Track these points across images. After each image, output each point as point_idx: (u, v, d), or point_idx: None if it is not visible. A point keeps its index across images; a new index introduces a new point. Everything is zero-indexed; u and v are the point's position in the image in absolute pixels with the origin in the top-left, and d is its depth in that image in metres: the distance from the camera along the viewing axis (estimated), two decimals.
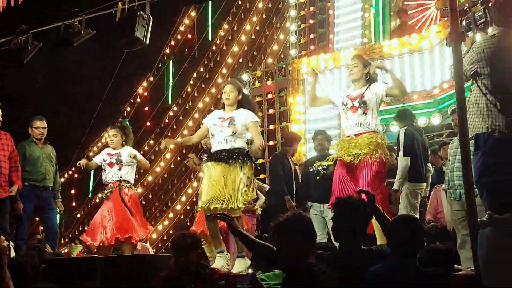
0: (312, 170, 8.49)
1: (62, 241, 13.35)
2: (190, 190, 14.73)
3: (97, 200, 15.17)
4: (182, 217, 14.75)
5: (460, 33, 4.27)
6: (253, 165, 6.24)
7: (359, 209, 4.08)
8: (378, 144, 6.07)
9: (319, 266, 3.69)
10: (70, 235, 14.57)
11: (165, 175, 15.24)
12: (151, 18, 7.01)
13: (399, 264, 3.78)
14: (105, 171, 7.46)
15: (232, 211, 5.87)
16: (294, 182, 8.48)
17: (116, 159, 7.39)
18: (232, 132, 6.15)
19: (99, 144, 15.78)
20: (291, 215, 3.94)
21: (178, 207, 14.85)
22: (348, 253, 3.98)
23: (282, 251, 3.79)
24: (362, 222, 4.12)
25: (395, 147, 7.96)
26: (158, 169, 15.45)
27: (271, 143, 13.28)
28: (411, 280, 3.68)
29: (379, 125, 6.36)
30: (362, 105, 6.14)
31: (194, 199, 13.51)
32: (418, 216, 7.41)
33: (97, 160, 7.64)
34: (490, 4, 4.82)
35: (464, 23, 4.82)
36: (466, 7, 4.87)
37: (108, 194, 7.35)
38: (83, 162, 7.57)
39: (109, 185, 7.39)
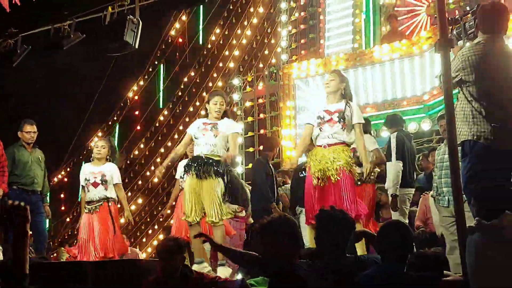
0: (302, 175, 8.48)
1: (52, 245, 13.27)
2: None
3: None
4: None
5: (449, 40, 4.29)
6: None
7: (342, 222, 4.04)
8: (350, 158, 6.04)
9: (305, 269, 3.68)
10: (60, 239, 14.50)
11: (155, 179, 15.15)
12: (141, 22, 6.99)
13: (390, 269, 3.78)
14: (88, 190, 7.37)
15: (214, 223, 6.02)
16: (275, 187, 8.52)
17: (101, 179, 7.35)
18: (214, 136, 6.22)
19: (89, 148, 15.70)
20: (277, 217, 3.92)
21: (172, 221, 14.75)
22: (335, 259, 3.96)
23: (267, 254, 3.77)
24: (346, 234, 4.07)
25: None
26: (148, 173, 15.38)
27: (261, 147, 13.25)
28: (402, 285, 3.68)
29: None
30: (341, 120, 6.07)
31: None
32: (407, 221, 7.43)
33: (82, 177, 7.54)
34: (476, 11, 4.85)
35: (454, 32, 4.84)
36: (457, 17, 4.89)
37: (96, 208, 7.32)
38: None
39: (94, 202, 7.35)
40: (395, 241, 3.86)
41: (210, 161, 6.12)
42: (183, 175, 6.48)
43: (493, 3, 5.06)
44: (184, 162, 7.57)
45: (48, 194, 8.25)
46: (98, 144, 7.57)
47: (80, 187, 7.59)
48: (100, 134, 15.52)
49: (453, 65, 4.56)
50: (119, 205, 7.71)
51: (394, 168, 7.44)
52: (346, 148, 6.05)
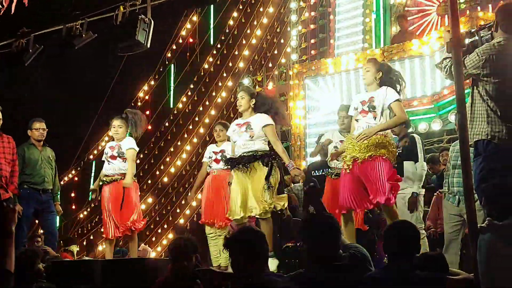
0: (315, 174, 8.49)
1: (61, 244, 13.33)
2: (194, 203, 14.68)
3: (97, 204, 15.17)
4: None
5: (460, 39, 4.28)
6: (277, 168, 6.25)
7: (328, 229, 3.91)
8: (388, 145, 5.90)
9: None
10: (70, 237, 14.54)
11: (165, 179, 15.20)
12: (153, 21, 7.01)
13: (396, 268, 3.78)
14: (108, 163, 7.13)
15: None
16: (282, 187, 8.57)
17: (117, 152, 7.09)
18: (250, 137, 6.22)
19: (99, 147, 15.77)
20: (236, 232, 3.85)
21: (182, 221, 14.75)
22: (325, 269, 3.83)
23: (234, 269, 3.70)
24: (333, 242, 3.92)
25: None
26: (157, 172, 15.42)
27: None
28: (407, 285, 3.68)
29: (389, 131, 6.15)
30: (371, 109, 5.99)
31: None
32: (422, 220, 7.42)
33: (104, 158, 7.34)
34: (496, 10, 4.82)
35: (470, 45, 4.78)
36: (473, 30, 4.86)
37: (111, 182, 7.05)
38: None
39: (109, 176, 7.10)
40: (401, 241, 3.86)
41: (252, 155, 6.18)
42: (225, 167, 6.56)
43: None
44: (212, 146, 7.61)
45: (58, 193, 8.24)
46: (114, 124, 7.27)
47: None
48: (110, 133, 15.56)
49: (470, 61, 4.53)
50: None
51: (421, 167, 7.38)
52: (380, 137, 5.89)
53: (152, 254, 11.96)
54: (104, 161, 7.28)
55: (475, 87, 4.64)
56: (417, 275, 3.73)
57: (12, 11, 6.43)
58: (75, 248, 10.53)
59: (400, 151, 7.02)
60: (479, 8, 11.51)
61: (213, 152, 7.41)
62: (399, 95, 6.08)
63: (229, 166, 6.38)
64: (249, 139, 6.21)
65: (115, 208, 6.94)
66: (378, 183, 5.70)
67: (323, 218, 4.07)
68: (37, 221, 8.77)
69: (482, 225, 3.83)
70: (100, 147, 15.73)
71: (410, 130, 7.93)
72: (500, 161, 4.38)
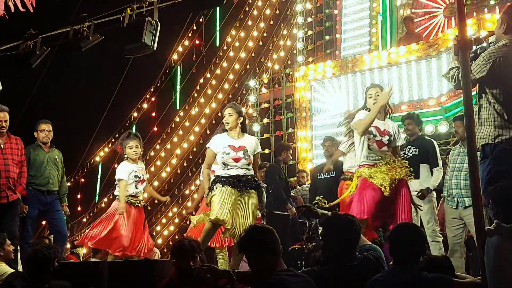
0: (320, 177, 8.50)
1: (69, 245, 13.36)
2: (196, 195, 14.71)
3: (103, 205, 15.19)
4: (188, 222, 14.71)
5: (468, 41, 4.26)
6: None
7: (349, 227, 4.02)
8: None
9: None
10: (76, 239, 14.56)
11: (171, 180, 15.21)
12: (159, 24, 7.03)
13: (402, 271, 3.77)
14: (137, 188, 7.45)
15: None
16: (288, 189, 8.71)
17: (144, 176, 7.60)
18: (248, 164, 6.32)
19: (106, 149, 15.79)
20: (248, 231, 3.91)
21: (184, 212, 14.81)
22: (342, 266, 3.92)
23: (251, 268, 3.79)
24: (354, 240, 4.05)
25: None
26: (164, 174, 15.43)
27: None
28: (414, 286, 3.67)
29: None
30: (388, 144, 6.18)
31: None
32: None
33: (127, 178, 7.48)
34: (502, 12, 4.80)
35: (478, 51, 4.76)
36: (481, 36, 4.84)
37: (139, 204, 7.49)
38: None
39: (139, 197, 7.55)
40: (408, 243, 3.86)
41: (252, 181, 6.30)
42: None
43: None
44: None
45: (66, 194, 8.24)
46: (132, 144, 7.47)
47: (119, 182, 7.44)
48: (117, 135, 15.59)
49: (476, 65, 4.52)
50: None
51: (439, 172, 7.35)
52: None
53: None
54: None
55: (481, 91, 4.62)
56: (424, 276, 3.73)
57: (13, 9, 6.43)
58: (81, 251, 10.56)
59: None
60: (486, 10, 11.49)
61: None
62: None
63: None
64: (247, 165, 6.31)
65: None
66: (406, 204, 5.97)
67: (345, 219, 4.11)
68: (44, 223, 8.79)
69: (490, 227, 3.82)
70: (106, 149, 15.76)
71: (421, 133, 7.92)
72: (507, 164, 4.36)
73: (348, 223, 4.04)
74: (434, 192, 7.26)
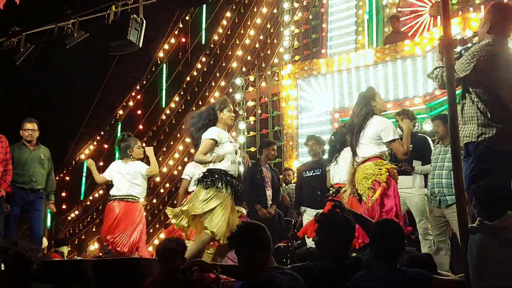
0: (306, 175, 8.50)
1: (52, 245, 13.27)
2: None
3: (88, 203, 15.13)
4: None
5: (452, 40, 4.28)
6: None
7: (345, 225, 4.06)
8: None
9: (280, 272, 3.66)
10: (62, 237, 14.48)
11: (157, 179, 15.15)
12: (144, 21, 6.99)
13: (385, 267, 3.78)
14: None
15: None
16: (266, 188, 8.55)
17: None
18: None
19: (91, 146, 15.71)
20: (238, 228, 3.91)
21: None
22: (337, 262, 3.95)
23: (241, 264, 3.78)
24: (349, 237, 4.12)
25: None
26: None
27: None
28: (395, 282, 3.68)
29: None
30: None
31: None
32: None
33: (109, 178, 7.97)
34: (485, 11, 4.83)
35: (462, 51, 4.78)
36: (466, 37, 4.88)
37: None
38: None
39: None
40: (392, 239, 3.87)
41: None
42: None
43: (507, 6, 5.04)
44: (193, 163, 7.63)
45: (54, 191, 8.21)
46: (139, 144, 7.96)
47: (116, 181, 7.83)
48: (102, 133, 15.53)
49: (459, 64, 4.54)
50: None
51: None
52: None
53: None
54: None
55: (465, 90, 4.65)
56: (405, 271, 3.74)
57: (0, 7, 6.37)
58: (65, 249, 10.51)
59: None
60: (471, 9, 11.55)
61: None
62: None
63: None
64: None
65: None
66: None
67: (343, 218, 4.15)
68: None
69: (473, 225, 3.84)
70: (92, 147, 15.67)
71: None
72: (490, 162, 4.40)
73: (346, 222, 4.08)
74: (425, 190, 7.27)
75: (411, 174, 7.26)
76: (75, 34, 7.37)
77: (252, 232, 3.77)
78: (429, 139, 7.60)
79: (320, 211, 7.22)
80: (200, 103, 15.40)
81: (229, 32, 15.77)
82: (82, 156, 15.69)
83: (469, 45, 4.70)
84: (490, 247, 3.69)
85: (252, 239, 3.71)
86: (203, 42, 15.76)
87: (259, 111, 14.37)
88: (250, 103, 14.50)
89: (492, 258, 3.68)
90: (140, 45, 7.08)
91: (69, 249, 11.31)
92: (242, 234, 3.78)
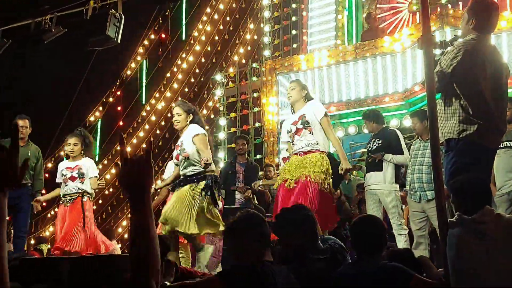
0: None
1: (33, 241, 13.17)
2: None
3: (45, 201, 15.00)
4: None
5: (432, 36, 4.29)
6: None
7: (301, 221, 3.91)
8: (326, 168, 5.94)
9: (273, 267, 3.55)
10: (40, 235, 14.38)
11: None
12: (123, 16, 6.95)
13: (364, 263, 3.75)
14: (66, 184, 7.42)
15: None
16: (237, 181, 8.66)
17: (77, 173, 7.38)
18: (185, 158, 6.09)
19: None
20: (239, 216, 3.75)
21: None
22: (302, 262, 3.82)
23: (233, 255, 3.58)
24: (309, 233, 3.93)
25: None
26: None
27: None
28: (374, 276, 3.66)
29: (326, 145, 6.20)
30: (305, 125, 6.02)
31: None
32: (404, 220, 7.44)
33: (58, 180, 7.58)
34: (468, 7, 4.86)
35: (442, 55, 4.78)
36: (448, 40, 4.89)
37: (69, 202, 7.39)
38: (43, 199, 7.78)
39: (69, 195, 7.41)
40: (369, 235, 3.85)
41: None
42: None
43: (490, 2, 5.07)
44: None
45: (40, 191, 8.11)
46: (70, 141, 7.50)
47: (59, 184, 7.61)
48: (68, 138, 15.38)
49: (446, 59, 4.55)
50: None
51: (404, 158, 7.32)
52: (321, 155, 6.00)
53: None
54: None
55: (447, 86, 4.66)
56: (385, 265, 3.71)
57: None
58: (45, 247, 10.42)
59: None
60: (449, 5, 11.64)
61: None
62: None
63: None
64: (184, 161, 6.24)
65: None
66: None
67: (296, 209, 4.05)
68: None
69: (452, 219, 3.87)
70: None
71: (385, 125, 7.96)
72: (471, 157, 4.43)
73: (301, 211, 3.99)
74: (397, 186, 7.33)
75: (381, 169, 7.30)
76: (53, 30, 7.29)
77: (255, 222, 3.58)
78: (398, 132, 7.62)
79: None
80: (180, 99, 15.34)
81: (208, 28, 15.71)
82: (62, 153, 15.55)
83: (449, 48, 4.71)
84: (468, 241, 3.72)
85: (255, 230, 3.53)
86: (183, 38, 15.71)
87: (240, 107, 14.35)
88: (231, 99, 14.48)
89: (470, 252, 3.71)
90: (119, 40, 7.03)
91: (49, 246, 11.20)
92: (247, 224, 3.56)
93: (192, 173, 6.07)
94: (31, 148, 7.93)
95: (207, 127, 6.58)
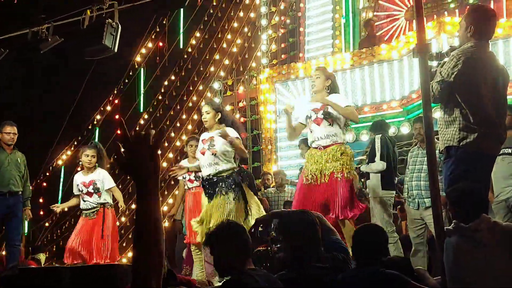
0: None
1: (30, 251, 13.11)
2: (165, 208, 14.56)
3: (66, 209, 14.94)
4: None
5: (427, 44, 4.31)
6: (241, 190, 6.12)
7: (302, 225, 3.87)
8: (349, 157, 5.98)
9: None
10: (39, 244, 14.32)
11: None
12: (120, 26, 6.95)
13: (364, 271, 3.74)
14: (84, 200, 7.55)
15: None
16: None
17: (93, 188, 7.49)
18: (212, 154, 6.14)
19: (69, 152, 15.54)
20: (221, 226, 3.75)
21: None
22: (304, 268, 3.82)
23: (216, 263, 3.62)
24: (312, 237, 3.84)
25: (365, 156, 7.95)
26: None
27: None
28: (371, 283, 3.64)
29: (344, 137, 6.25)
30: (326, 116, 6.04)
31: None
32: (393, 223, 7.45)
33: (76, 192, 7.69)
34: (465, 15, 4.87)
35: (439, 66, 4.79)
36: (444, 52, 4.89)
37: (93, 215, 7.50)
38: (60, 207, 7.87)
39: (91, 209, 7.54)
40: (369, 243, 3.84)
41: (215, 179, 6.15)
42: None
43: (487, 9, 5.09)
44: (185, 161, 7.61)
45: (30, 197, 8.11)
46: (88, 153, 7.60)
47: (73, 194, 7.77)
48: (79, 138, 15.39)
49: (447, 68, 4.54)
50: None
51: (376, 166, 7.39)
52: (341, 148, 6.02)
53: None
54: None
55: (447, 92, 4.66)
56: (383, 272, 3.70)
57: None
58: (43, 257, 10.39)
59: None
60: (446, 13, 11.68)
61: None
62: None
63: None
64: (212, 157, 6.28)
65: None
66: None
67: (296, 215, 4.02)
68: None
69: (449, 227, 3.87)
70: (69, 152, 15.52)
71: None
72: (470, 165, 4.42)
73: (301, 217, 3.97)
74: (386, 192, 7.35)
75: (369, 178, 7.37)
76: (50, 39, 7.30)
77: (234, 231, 3.59)
78: (378, 139, 7.63)
79: None
80: (178, 107, 15.36)
81: (206, 36, 15.73)
82: (60, 162, 15.54)
83: (446, 59, 4.72)
84: (465, 249, 3.72)
85: (235, 238, 3.52)
86: (181, 46, 15.71)
87: (238, 115, 14.35)
88: (228, 107, 14.47)
89: (467, 260, 3.71)
90: (116, 49, 7.04)
91: (46, 256, 11.17)
92: (225, 233, 3.57)
93: (216, 171, 6.13)
94: (19, 154, 7.94)
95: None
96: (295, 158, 11.88)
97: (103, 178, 7.55)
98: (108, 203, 7.55)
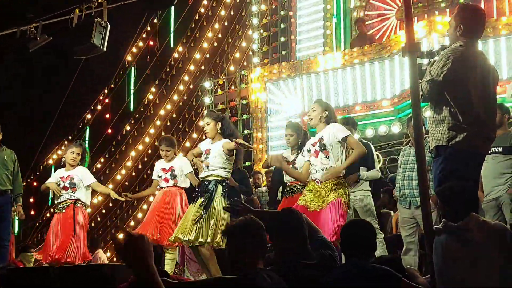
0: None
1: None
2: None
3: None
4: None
5: (416, 43, 4.30)
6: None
7: (290, 224, 3.89)
8: (344, 190, 5.85)
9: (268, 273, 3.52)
10: (29, 243, 14.25)
11: (126, 183, 15.01)
12: (109, 24, 6.92)
13: (353, 266, 3.73)
14: (60, 194, 7.53)
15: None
16: None
17: (69, 183, 7.49)
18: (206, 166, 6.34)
19: (59, 151, 15.48)
20: (240, 220, 3.71)
21: (140, 215, 14.63)
22: (293, 267, 3.80)
23: (231, 258, 3.60)
24: (299, 236, 3.90)
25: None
26: (118, 177, 15.20)
27: None
28: (364, 278, 3.63)
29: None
30: (322, 148, 5.95)
31: None
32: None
33: (53, 181, 7.67)
34: (454, 14, 4.87)
35: (429, 65, 4.78)
36: (434, 50, 4.88)
37: (63, 209, 7.46)
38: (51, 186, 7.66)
39: (62, 203, 7.51)
40: (358, 240, 3.83)
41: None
42: None
43: (476, 8, 5.09)
44: (161, 162, 7.58)
45: (21, 194, 8.06)
46: (74, 150, 7.62)
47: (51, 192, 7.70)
48: (70, 137, 15.33)
49: (437, 67, 4.54)
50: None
51: (375, 172, 7.38)
52: (336, 181, 5.87)
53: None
54: None
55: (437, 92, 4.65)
56: (375, 267, 3.69)
57: None
58: (32, 257, 10.30)
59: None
60: (436, 12, 11.70)
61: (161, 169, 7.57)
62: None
63: None
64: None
65: None
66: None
67: (284, 215, 4.04)
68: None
69: (438, 226, 3.87)
70: (59, 151, 15.45)
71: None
72: (459, 163, 4.42)
73: (287, 216, 3.97)
74: (370, 193, 7.31)
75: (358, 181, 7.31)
76: (38, 38, 7.26)
77: (256, 227, 3.55)
78: (371, 146, 7.61)
79: None
80: (169, 107, 15.32)
81: (197, 35, 15.70)
82: (50, 161, 15.48)
83: (437, 58, 4.71)
84: (454, 248, 3.72)
85: (255, 235, 3.49)
86: (172, 45, 15.67)
87: (229, 115, 14.33)
88: (219, 106, 14.46)
89: (456, 258, 3.71)
90: (105, 48, 7.01)
91: (36, 255, 11.09)
92: (247, 229, 3.52)
93: (205, 175, 6.34)
94: (6, 152, 7.87)
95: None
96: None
97: (82, 174, 7.56)
98: (79, 200, 7.49)
